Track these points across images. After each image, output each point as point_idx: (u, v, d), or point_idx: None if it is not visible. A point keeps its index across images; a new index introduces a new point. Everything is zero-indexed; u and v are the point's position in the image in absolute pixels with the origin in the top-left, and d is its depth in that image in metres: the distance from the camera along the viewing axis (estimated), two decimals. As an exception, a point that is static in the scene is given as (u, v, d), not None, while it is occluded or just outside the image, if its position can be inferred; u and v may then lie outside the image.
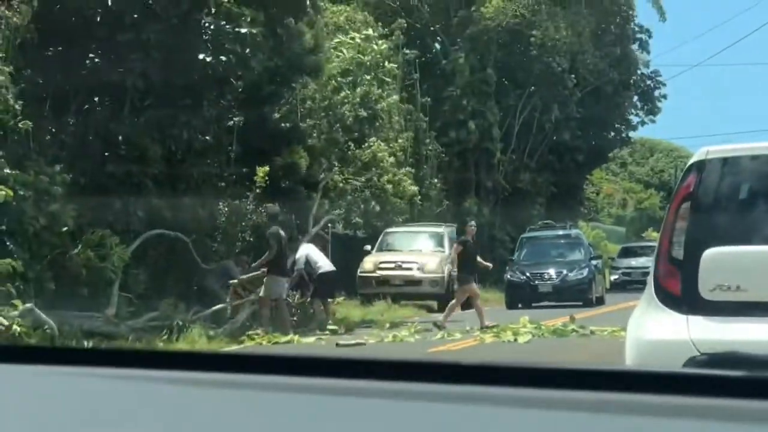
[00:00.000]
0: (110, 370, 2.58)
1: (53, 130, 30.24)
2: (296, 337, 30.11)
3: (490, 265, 35.67)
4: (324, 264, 34.50)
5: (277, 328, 30.64)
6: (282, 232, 31.94)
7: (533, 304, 42.42)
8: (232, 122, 36.06)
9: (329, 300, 34.98)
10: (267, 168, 36.94)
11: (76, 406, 2.24)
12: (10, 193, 25.81)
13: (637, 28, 71.26)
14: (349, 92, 43.12)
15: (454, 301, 34.09)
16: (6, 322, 24.67)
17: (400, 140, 48.54)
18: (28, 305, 25.35)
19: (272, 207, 33.01)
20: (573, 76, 65.11)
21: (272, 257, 31.33)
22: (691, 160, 9.52)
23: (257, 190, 36.81)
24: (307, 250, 34.49)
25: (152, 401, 2.24)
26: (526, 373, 2.23)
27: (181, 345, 27.80)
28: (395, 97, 48.92)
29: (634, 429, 1.88)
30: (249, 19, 33.35)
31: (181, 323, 29.54)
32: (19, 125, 26.65)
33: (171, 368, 2.61)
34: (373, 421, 2.03)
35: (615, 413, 1.93)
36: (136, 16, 31.01)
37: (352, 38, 45.71)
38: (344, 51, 43.78)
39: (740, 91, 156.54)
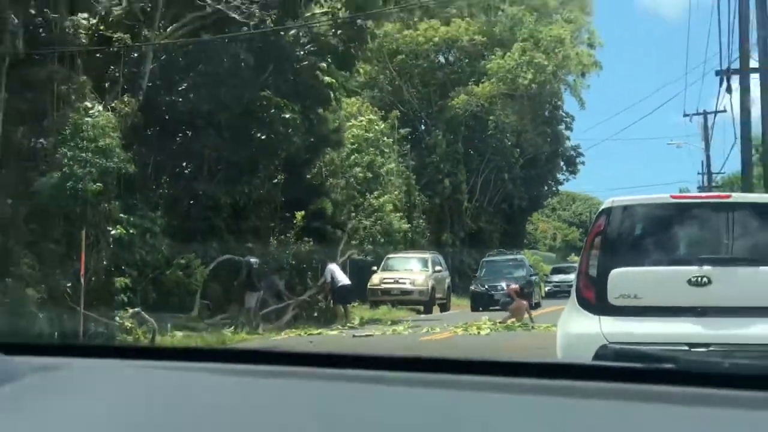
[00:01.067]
0: (196, 364, 2.26)
1: (153, 186, 30.20)
2: (324, 330, 30.15)
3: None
4: (343, 279, 34.72)
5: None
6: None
7: (490, 308, 42.08)
8: (278, 180, 35.96)
9: (347, 305, 35.07)
10: (303, 212, 37.11)
11: (171, 398, 1.90)
12: (123, 230, 25.93)
13: (563, 114, 70.77)
14: (359, 159, 43.04)
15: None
16: (121, 321, 24.84)
17: (395, 193, 48.36)
18: (136, 309, 25.41)
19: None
20: (518, 149, 64.83)
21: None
22: (601, 207, 9.67)
23: (296, 229, 36.99)
24: (332, 269, 34.63)
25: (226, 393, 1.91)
26: (490, 365, 2.09)
27: (243, 336, 27.93)
28: (392, 164, 48.83)
29: (572, 410, 1.72)
30: (291, 108, 33.37)
31: (242, 321, 29.72)
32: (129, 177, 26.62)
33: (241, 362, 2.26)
34: (381, 404, 1.84)
35: (551, 396, 1.79)
36: (210, 107, 30.97)
37: (360, 121, 45.57)
38: (355, 130, 43.65)
39: (637, 157, 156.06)
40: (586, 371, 1.97)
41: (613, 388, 1.78)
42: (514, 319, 30.53)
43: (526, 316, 31.38)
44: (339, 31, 35.27)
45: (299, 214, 37.69)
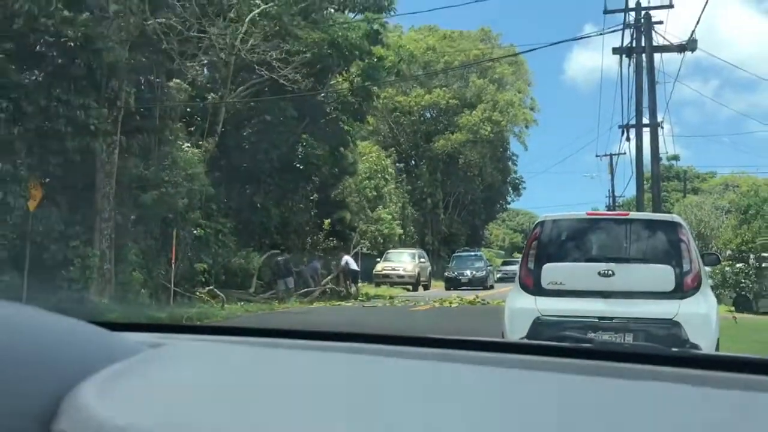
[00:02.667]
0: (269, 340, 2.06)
1: (225, 200, 30.16)
2: (342, 303, 30.04)
3: None
4: (354, 266, 34.62)
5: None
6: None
7: (459, 288, 42.06)
8: (312, 198, 35.93)
9: (357, 284, 34.96)
10: (329, 220, 37.07)
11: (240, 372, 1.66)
12: (203, 231, 25.83)
13: (511, 154, 70.89)
14: (368, 184, 43.09)
15: None
16: (200, 295, 24.71)
17: (393, 207, 48.46)
18: (210, 287, 25.32)
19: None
20: (479, 178, 64.86)
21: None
22: (537, 221, 9.62)
23: (325, 231, 37.02)
24: (346, 258, 34.53)
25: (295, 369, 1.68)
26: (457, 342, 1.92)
27: (286, 306, 27.79)
28: (392, 186, 48.94)
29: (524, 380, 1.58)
30: (321, 148, 33.34)
31: (283, 296, 29.61)
32: (208, 195, 26.55)
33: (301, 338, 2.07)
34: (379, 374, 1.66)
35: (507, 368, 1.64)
36: (265, 146, 30.89)
37: (370, 157, 45.60)
38: (367, 163, 43.67)
39: (562, 184, 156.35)
40: (527, 348, 1.85)
41: (556, 363, 1.69)
42: (475, 296, 30.41)
43: None
44: (355, 96, 35.28)
45: (326, 222, 37.72)
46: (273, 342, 2.03)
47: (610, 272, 8.75)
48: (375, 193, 44.28)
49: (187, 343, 2.00)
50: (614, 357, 1.68)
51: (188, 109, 27.81)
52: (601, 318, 8.61)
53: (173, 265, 23.24)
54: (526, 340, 1.88)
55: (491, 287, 44.64)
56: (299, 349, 1.91)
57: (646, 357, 1.63)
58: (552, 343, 1.86)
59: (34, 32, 19.26)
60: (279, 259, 30.87)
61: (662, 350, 1.78)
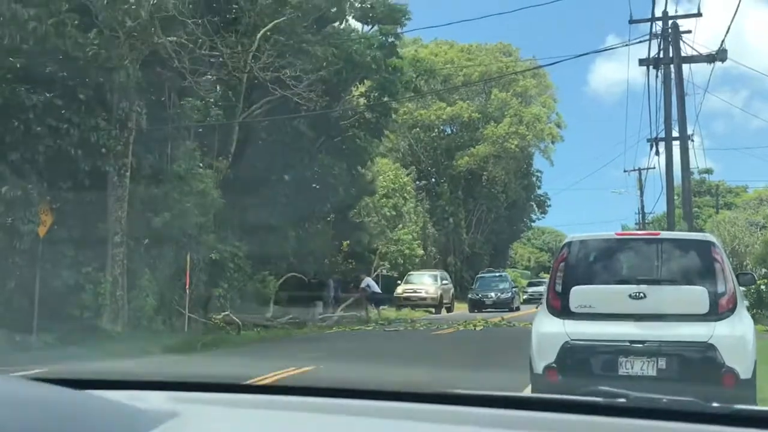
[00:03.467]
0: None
1: (239, 222, 30.26)
2: (363, 327, 30.01)
3: None
4: (376, 288, 34.69)
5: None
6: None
7: (483, 310, 41.94)
8: (329, 219, 36.01)
9: (380, 307, 34.99)
10: (347, 242, 37.18)
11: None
12: (218, 255, 25.91)
13: (535, 170, 70.82)
14: (387, 203, 43.24)
15: None
16: (215, 320, 24.77)
17: (413, 227, 48.56)
18: (226, 312, 25.32)
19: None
20: (503, 195, 64.82)
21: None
22: (564, 241, 9.68)
23: (343, 253, 37.13)
24: (368, 281, 34.60)
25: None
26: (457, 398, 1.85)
27: (304, 331, 27.83)
28: (411, 205, 49.07)
29: None
30: (338, 167, 33.45)
31: (302, 321, 29.64)
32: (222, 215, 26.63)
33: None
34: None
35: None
36: (280, 166, 31.06)
37: (388, 175, 45.76)
38: (384, 182, 43.84)
39: (589, 201, 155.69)
40: (555, 404, 1.79)
41: (578, 420, 1.65)
42: (500, 318, 30.41)
43: None
44: (372, 112, 35.45)
45: (345, 243, 37.85)
46: (290, 403, 1.96)
47: (641, 294, 8.77)
48: (394, 213, 44.42)
49: (204, 411, 1.91)
50: (651, 414, 1.64)
51: (200, 129, 28.01)
52: (632, 342, 8.63)
53: (187, 291, 23.36)
54: (553, 396, 1.72)
55: (517, 309, 44.51)
56: (312, 412, 1.85)
57: (687, 414, 1.60)
58: (582, 398, 1.80)
59: (44, 53, 19.55)
60: (331, 281, 31.28)
61: (704, 406, 1.72)
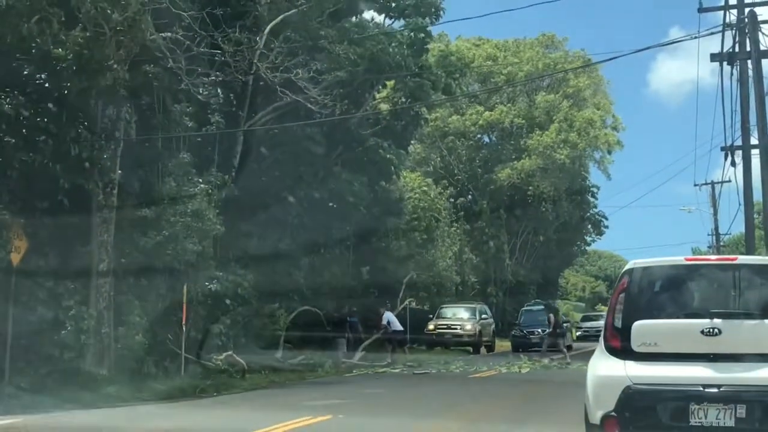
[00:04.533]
0: None
1: (244, 247, 30.37)
2: (389, 370, 29.97)
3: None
4: (397, 325, 34.58)
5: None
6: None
7: (529, 349, 41.81)
8: (349, 243, 36.06)
9: (402, 346, 34.88)
10: (368, 267, 37.21)
11: None
12: (218, 285, 25.94)
13: (590, 184, 70.58)
14: (417, 225, 43.37)
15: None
16: (216, 362, 24.79)
17: (448, 252, 48.65)
18: (229, 352, 25.33)
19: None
20: (553, 214, 64.74)
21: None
22: (625, 268, 9.64)
23: (365, 281, 37.18)
24: (388, 317, 34.52)
25: None
26: None
27: (320, 374, 27.79)
28: (446, 226, 49.20)
29: None
30: (358, 181, 33.54)
31: (317, 362, 29.62)
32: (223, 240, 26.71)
33: None
34: None
35: None
36: (291, 181, 31.15)
37: (416, 193, 45.88)
38: (414, 202, 43.97)
39: (653, 220, 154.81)
40: None
41: None
42: (551, 359, 30.45)
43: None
44: (398, 119, 35.57)
45: (364, 270, 37.89)
46: None
47: (715, 330, 8.71)
48: (425, 236, 44.45)
49: None
50: None
51: (198, 139, 28.17)
52: (705, 386, 8.58)
53: (184, 327, 23.41)
54: None
55: (569, 348, 44.40)
56: None
57: None
58: None
59: (21, 53, 19.70)
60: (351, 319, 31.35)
61: None
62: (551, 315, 35.71)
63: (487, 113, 61.26)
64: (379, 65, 31.91)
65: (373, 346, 34.29)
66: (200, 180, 25.96)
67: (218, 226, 25.38)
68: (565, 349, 33.50)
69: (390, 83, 35.73)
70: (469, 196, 63.30)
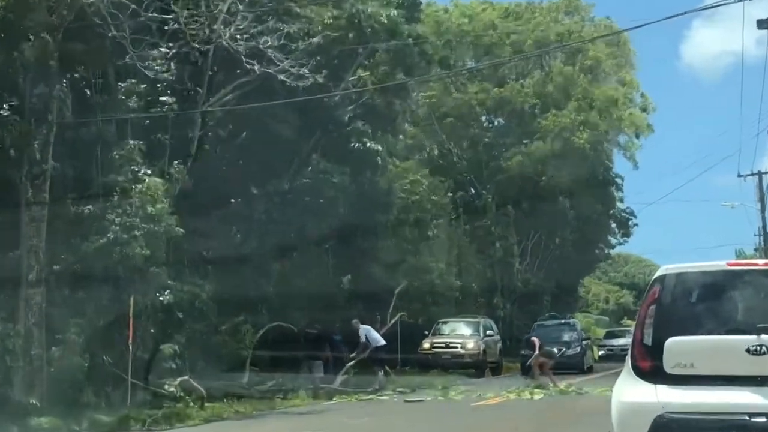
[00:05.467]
0: None
1: (203, 252, 30.33)
2: (376, 396, 29.93)
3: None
4: (379, 339, 34.46)
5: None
6: None
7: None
8: (328, 244, 36.02)
9: (384, 366, 34.70)
10: (349, 276, 37.12)
11: None
12: (171, 296, 25.86)
13: (614, 175, 70.52)
14: (405, 218, 43.40)
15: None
16: (169, 389, 24.68)
17: (446, 255, 48.62)
18: (185, 377, 25.27)
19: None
20: (571, 210, 64.69)
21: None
22: (655, 275, 9.59)
23: (346, 290, 37.05)
24: (366, 330, 34.38)
25: None
26: None
27: (294, 402, 27.73)
28: (444, 225, 49.12)
29: None
30: (339, 172, 33.50)
31: (290, 388, 29.56)
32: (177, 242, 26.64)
33: None
34: None
35: None
36: (258, 171, 31.07)
37: (407, 181, 45.85)
38: (402, 194, 43.92)
39: (690, 218, 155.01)
40: None
41: None
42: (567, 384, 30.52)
43: (544, 378, 31.81)
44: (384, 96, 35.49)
45: (345, 279, 37.83)
46: None
47: (763, 349, 8.67)
48: (416, 232, 44.46)
49: None
50: None
51: (147, 122, 28.06)
52: (751, 414, 8.54)
53: (130, 347, 23.31)
54: None
55: (590, 370, 44.44)
56: None
57: None
58: None
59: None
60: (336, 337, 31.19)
61: None
62: (534, 339, 35.82)
63: (496, 90, 61.22)
64: (360, 32, 31.86)
65: (360, 368, 34.24)
66: (150, 171, 25.86)
67: (172, 226, 25.28)
68: (550, 374, 33.66)
69: (378, 56, 35.60)
70: (472, 190, 63.28)
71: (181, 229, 25.73)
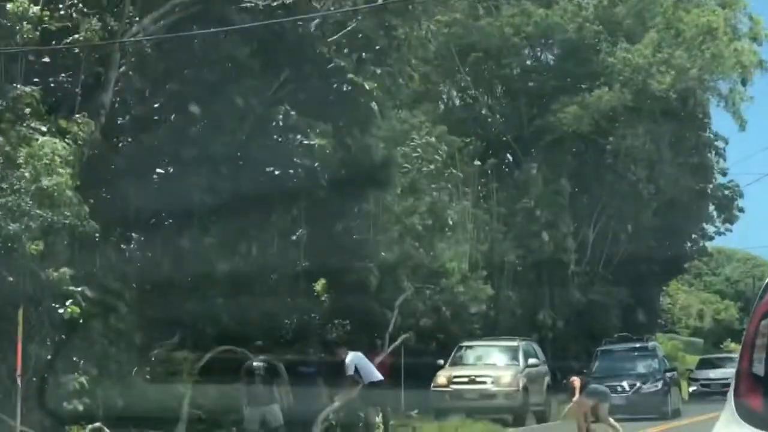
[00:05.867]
0: None
1: (120, 245, 30.35)
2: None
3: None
4: (374, 373, 34.03)
5: None
6: None
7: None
8: (297, 236, 35.95)
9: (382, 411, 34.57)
10: (324, 281, 36.99)
11: None
12: (75, 309, 25.82)
13: (712, 136, 70.26)
14: (416, 203, 43.22)
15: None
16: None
17: (469, 249, 48.11)
18: (97, 424, 25.36)
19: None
20: (651, 185, 64.30)
21: None
22: (770, 279, 9.56)
23: (322, 301, 36.98)
24: (355, 360, 33.88)
25: None
26: None
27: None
28: (468, 205, 48.68)
29: None
30: (317, 130, 33.44)
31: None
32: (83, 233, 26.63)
33: None
34: None
35: None
36: (199, 128, 31.04)
37: (413, 145, 45.67)
38: (409, 165, 43.81)
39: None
40: None
41: None
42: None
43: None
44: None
45: (319, 283, 37.55)
46: None
47: None
48: (430, 222, 44.37)
49: None
50: None
51: (46, 59, 28.16)
52: None
53: (18, 381, 23.44)
54: None
55: (676, 414, 44.38)
56: None
57: None
58: None
59: None
60: (255, 363, 30.87)
61: None
62: (574, 379, 35.72)
63: (541, 12, 61.10)
64: None
65: (348, 414, 34.37)
66: (44, 129, 25.93)
67: (85, 216, 25.30)
68: (614, 423, 33.65)
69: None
70: (509, 156, 63.25)
71: (86, 210, 25.73)
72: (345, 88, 34.78)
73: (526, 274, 58.82)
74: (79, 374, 26.18)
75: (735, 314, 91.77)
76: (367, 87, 35.46)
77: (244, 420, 30.49)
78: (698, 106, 65.74)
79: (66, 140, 26.26)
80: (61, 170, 25.21)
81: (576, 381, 34.94)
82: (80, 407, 25.79)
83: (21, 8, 26.26)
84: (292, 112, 33.47)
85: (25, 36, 26.46)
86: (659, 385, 44.92)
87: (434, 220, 44.53)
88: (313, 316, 37.05)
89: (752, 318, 9.25)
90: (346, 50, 35.56)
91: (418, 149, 45.30)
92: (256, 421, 30.45)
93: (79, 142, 27.27)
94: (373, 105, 36.27)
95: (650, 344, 50.64)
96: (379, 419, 33.74)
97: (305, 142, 33.29)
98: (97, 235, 26.83)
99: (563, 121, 60.10)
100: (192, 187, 31.55)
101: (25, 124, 25.35)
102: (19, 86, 25.82)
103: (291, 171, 32.99)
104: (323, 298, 37.71)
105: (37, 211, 24.13)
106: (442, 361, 43.63)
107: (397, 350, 39.15)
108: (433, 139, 47.29)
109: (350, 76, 34.90)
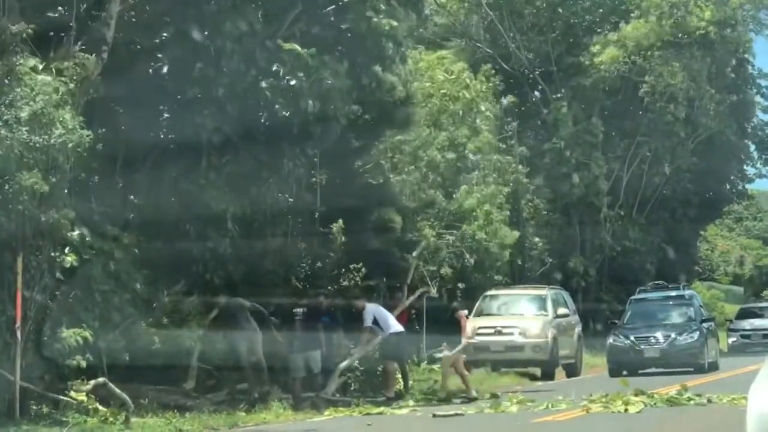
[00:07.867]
0: None
1: (122, 186, 30.29)
2: (390, 409, 30.08)
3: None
4: (394, 325, 34.14)
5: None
6: None
7: (639, 372, 41.67)
8: (315, 179, 35.85)
9: (404, 364, 34.55)
10: (342, 223, 36.92)
11: None
12: (76, 256, 25.64)
13: (755, 72, 69.96)
14: (435, 134, 43.01)
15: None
16: (79, 398, 24.66)
17: (494, 190, 47.63)
18: (101, 379, 25.26)
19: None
20: (688, 125, 64.09)
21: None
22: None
23: (338, 247, 36.86)
24: (372, 311, 34.11)
25: None
26: None
27: (263, 417, 27.75)
28: (487, 134, 47.98)
29: None
30: (332, 70, 33.31)
31: (258, 395, 29.58)
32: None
33: None
34: None
35: None
36: (201, 66, 30.90)
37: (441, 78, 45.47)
38: (434, 100, 43.64)
39: None
40: None
41: None
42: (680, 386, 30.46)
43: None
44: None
45: (336, 226, 37.39)
46: None
47: None
48: (452, 162, 44.14)
49: None
50: None
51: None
52: None
53: (18, 334, 23.48)
54: None
55: (713, 367, 44.28)
56: None
57: None
58: None
59: None
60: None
61: None
62: (461, 312, 35.34)
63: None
64: None
65: (366, 366, 34.40)
66: (42, 65, 25.91)
67: (81, 149, 25.13)
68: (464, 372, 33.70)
69: None
70: (536, 94, 63.10)
71: (94, 165, 25.66)
72: (360, 22, 34.68)
73: (556, 218, 58.76)
74: (82, 329, 25.87)
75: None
76: (386, 24, 35.37)
77: (290, 368, 30.72)
78: (739, 38, 65.43)
79: (62, 79, 26.15)
80: (65, 110, 25.08)
81: (463, 314, 34.81)
82: (83, 363, 25.51)
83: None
84: (304, 50, 33.40)
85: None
86: (695, 336, 44.64)
87: (456, 160, 44.29)
88: (328, 261, 36.89)
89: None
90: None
91: (442, 87, 45.17)
92: (301, 367, 30.67)
93: (75, 77, 27.15)
94: (392, 43, 36.17)
95: (687, 293, 50.38)
96: (397, 373, 33.82)
97: (320, 77, 33.16)
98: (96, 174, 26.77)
99: (594, 58, 60.14)
100: (200, 128, 31.48)
101: (22, 61, 25.22)
102: (10, 22, 25.70)
103: (303, 107, 32.83)
104: (340, 242, 37.54)
105: (35, 144, 23.85)
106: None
107: (417, 301, 39.07)
108: (456, 75, 47.13)
109: (369, 14, 34.81)
